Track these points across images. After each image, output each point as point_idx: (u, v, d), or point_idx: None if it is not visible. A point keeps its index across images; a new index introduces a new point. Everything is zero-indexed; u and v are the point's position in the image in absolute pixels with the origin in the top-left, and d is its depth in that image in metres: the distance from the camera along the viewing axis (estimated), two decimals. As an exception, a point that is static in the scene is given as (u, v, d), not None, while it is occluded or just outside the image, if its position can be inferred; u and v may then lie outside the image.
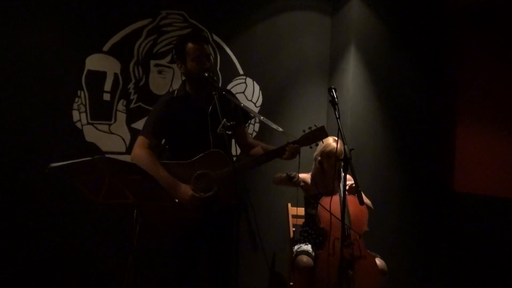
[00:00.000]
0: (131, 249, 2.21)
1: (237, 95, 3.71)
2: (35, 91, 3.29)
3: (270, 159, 2.50)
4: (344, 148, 2.34)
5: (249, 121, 3.78)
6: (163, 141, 2.65)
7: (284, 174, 2.84)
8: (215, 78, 2.50)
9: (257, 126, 3.85)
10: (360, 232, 2.94)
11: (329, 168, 3.08)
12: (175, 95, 2.59)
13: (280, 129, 2.48)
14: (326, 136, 2.50)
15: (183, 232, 2.51)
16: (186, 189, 2.40)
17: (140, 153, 2.47)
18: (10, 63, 3.24)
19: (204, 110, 2.53)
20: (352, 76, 3.74)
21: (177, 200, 2.39)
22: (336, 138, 3.05)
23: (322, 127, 2.47)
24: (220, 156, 2.46)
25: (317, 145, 2.56)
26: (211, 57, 2.51)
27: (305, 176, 3.19)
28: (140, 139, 2.54)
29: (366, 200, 3.00)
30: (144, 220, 2.38)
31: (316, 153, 3.15)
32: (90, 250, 3.37)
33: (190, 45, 2.48)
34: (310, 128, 2.48)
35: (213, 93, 2.35)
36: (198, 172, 2.45)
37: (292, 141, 2.46)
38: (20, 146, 3.25)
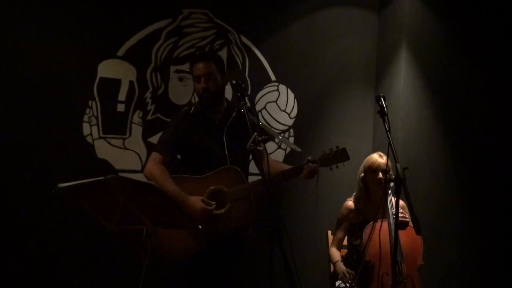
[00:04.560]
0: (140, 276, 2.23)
1: (268, 105, 3.78)
2: (41, 101, 3.37)
3: (287, 178, 2.70)
4: (396, 167, 2.30)
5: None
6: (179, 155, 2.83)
7: (341, 274, 2.90)
8: (243, 86, 2.60)
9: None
10: (414, 266, 2.87)
11: (374, 187, 3.04)
12: (191, 112, 2.81)
13: (299, 149, 2.85)
14: (348, 159, 2.69)
15: (193, 260, 2.65)
16: (196, 202, 2.58)
17: (152, 169, 2.70)
18: (13, 70, 3.33)
19: (220, 128, 2.75)
20: (404, 82, 3.70)
21: (200, 227, 2.50)
22: (381, 154, 3.03)
23: (344, 149, 2.69)
24: (235, 173, 2.66)
25: (337, 167, 2.71)
26: (215, 74, 2.71)
27: (349, 205, 3.15)
28: (154, 155, 2.76)
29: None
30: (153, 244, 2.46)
31: (359, 171, 3.13)
32: (94, 276, 3.41)
33: (191, 65, 2.79)
34: (330, 149, 2.71)
35: (242, 102, 2.48)
36: (211, 188, 2.64)
37: (311, 159, 2.67)
38: (24, 163, 3.33)
